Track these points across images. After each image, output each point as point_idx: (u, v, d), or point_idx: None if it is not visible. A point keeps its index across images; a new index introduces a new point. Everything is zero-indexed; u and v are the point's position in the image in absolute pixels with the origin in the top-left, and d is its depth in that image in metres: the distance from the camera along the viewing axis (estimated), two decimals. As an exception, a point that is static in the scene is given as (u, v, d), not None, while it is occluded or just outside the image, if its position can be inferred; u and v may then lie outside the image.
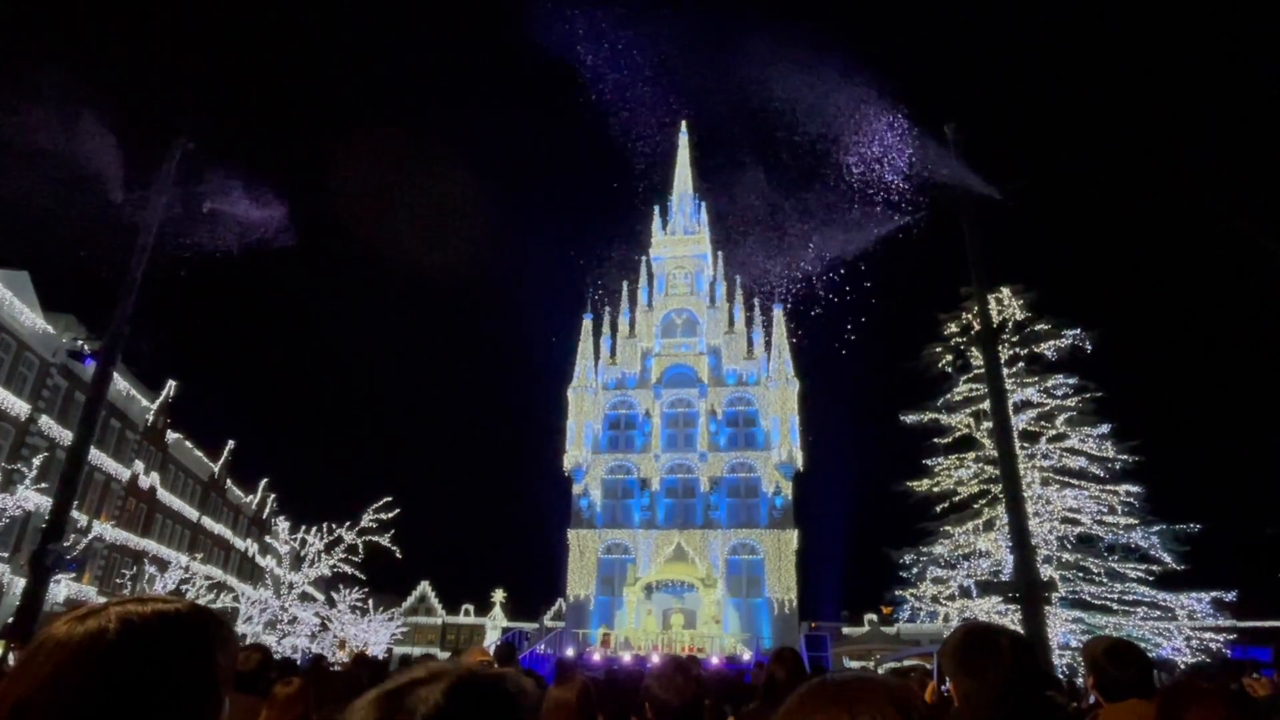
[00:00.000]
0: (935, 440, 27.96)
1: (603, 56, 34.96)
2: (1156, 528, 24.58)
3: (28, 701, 0.98)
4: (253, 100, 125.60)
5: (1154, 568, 24.52)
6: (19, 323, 28.86)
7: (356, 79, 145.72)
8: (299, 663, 14.54)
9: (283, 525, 33.56)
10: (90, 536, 30.53)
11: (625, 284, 43.81)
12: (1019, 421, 24.87)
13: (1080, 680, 16.44)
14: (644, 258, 44.63)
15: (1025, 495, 16.40)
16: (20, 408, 29.46)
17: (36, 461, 26.46)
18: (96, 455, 33.01)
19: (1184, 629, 23.81)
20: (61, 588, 30.73)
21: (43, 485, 26.13)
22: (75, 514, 27.95)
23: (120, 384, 34.38)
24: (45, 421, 30.65)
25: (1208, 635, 23.66)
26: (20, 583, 24.10)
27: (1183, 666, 22.59)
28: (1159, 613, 24.20)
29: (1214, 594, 23.90)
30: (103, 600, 1.14)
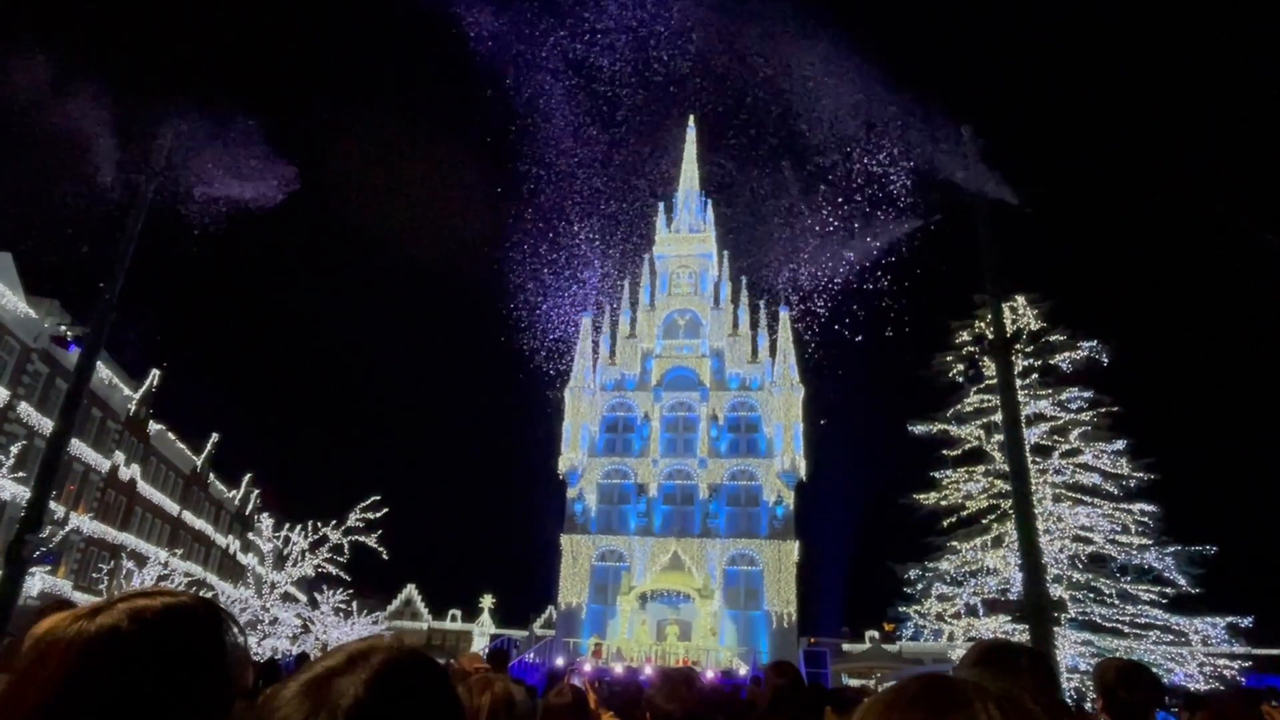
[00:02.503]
0: (944, 452, 27.28)
1: (607, 48, 34.29)
2: (1171, 549, 24.04)
3: (44, 704, 0.93)
4: (246, 81, 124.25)
5: (1167, 590, 23.97)
6: (0, 306, 27.93)
7: (355, 65, 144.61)
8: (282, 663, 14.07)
9: (266, 522, 33.03)
10: (67, 528, 29.59)
11: (626, 282, 42.82)
12: (1031, 435, 24.34)
13: (1089, 704, 15.84)
14: (647, 255, 43.60)
15: (1036, 511, 15.89)
16: (-2, 394, 28.54)
17: (14, 450, 25.67)
18: (76, 445, 32.34)
19: (1197, 654, 23.30)
20: (36, 581, 29.75)
21: (20, 474, 25.35)
22: (52, 505, 26.99)
23: (103, 372, 33.56)
24: (24, 409, 29.80)
25: (1222, 661, 23.16)
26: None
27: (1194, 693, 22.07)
28: (1172, 637, 23.68)
29: (1229, 619, 23.40)
30: (93, 597, 0.76)
